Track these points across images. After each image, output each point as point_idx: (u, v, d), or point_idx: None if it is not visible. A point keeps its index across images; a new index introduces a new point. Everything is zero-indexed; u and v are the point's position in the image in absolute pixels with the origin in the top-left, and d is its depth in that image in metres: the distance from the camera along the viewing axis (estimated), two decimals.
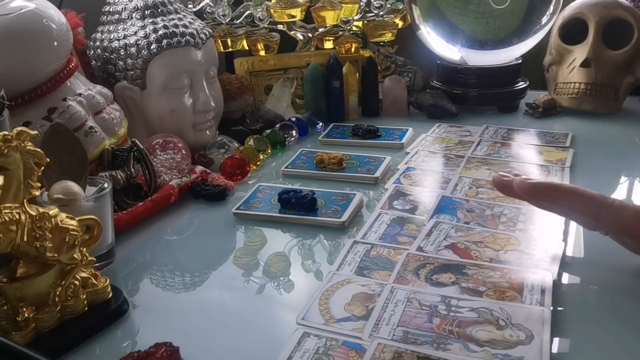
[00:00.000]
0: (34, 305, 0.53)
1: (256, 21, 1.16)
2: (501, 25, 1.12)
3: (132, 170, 0.78)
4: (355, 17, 1.19)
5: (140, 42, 0.88)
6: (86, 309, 0.56)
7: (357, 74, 1.14)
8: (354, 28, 1.23)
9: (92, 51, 0.93)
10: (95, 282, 0.57)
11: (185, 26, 0.92)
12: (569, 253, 0.65)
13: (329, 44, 1.19)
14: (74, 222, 0.54)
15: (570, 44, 1.14)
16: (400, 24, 1.22)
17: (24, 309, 0.52)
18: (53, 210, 0.53)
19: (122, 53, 0.89)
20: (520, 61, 1.17)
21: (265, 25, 1.17)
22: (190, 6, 1.12)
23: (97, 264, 0.60)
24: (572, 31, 1.14)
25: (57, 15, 0.77)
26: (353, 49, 1.18)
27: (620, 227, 0.58)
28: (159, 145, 0.87)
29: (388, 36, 1.21)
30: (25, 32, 0.71)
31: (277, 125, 1.04)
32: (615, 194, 0.82)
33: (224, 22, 1.16)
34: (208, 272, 0.67)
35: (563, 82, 1.13)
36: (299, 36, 1.21)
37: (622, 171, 0.87)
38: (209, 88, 0.95)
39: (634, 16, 1.10)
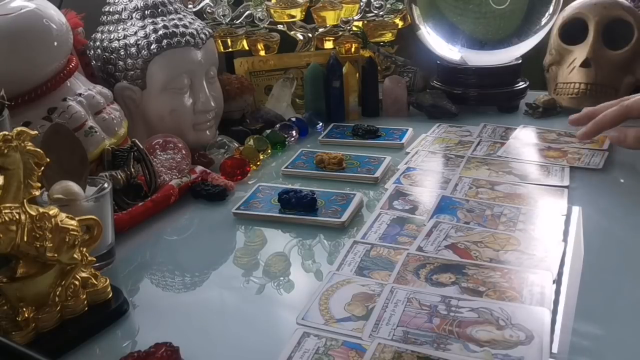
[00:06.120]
0: (34, 305, 0.53)
1: (256, 21, 1.16)
2: (501, 26, 1.12)
3: (132, 170, 0.78)
4: (355, 17, 1.19)
5: (140, 42, 0.88)
6: (86, 309, 0.56)
7: (357, 74, 1.14)
8: (354, 28, 1.22)
9: (92, 51, 0.93)
10: (95, 282, 0.57)
11: (185, 26, 0.92)
12: (569, 253, 0.65)
13: (329, 44, 1.19)
14: (74, 222, 0.54)
15: (570, 44, 1.14)
16: (400, 24, 1.22)
17: (24, 309, 0.52)
18: (53, 210, 0.53)
19: (122, 53, 0.89)
20: (520, 61, 1.17)
21: (265, 25, 1.17)
22: (190, 6, 1.12)
23: (97, 264, 0.60)
24: (572, 31, 1.14)
25: (57, 15, 0.77)
26: (353, 49, 1.18)
27: None
28: (159, 145, 0.87)
29: (388, 36, 1.21)
30: (25, 32, 0.71)
31: (277, 125, 1.04)
32: (615, 194, 0.82)
33: (224, 22, 1.16)
34: (208, 272, 0.67)
35: (563, 82, 1.13)
36: (299, 36, 1.21)
37: (622, 171, 0.87)
38: (209, 88, 0.95)
39: (634, 16, 1.10)
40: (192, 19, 0.96)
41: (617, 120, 0.83)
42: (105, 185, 0.65)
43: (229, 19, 1.16)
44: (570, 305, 0.56)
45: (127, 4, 0.92)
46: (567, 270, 0.62)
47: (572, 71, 1.12)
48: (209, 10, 1.16)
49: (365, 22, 1.21)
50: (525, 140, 0.98)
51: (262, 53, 1.18)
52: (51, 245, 0.52)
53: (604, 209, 0.78)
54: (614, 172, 0.86)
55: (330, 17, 1.14)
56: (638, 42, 1.09)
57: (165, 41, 0.89)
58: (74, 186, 0.62)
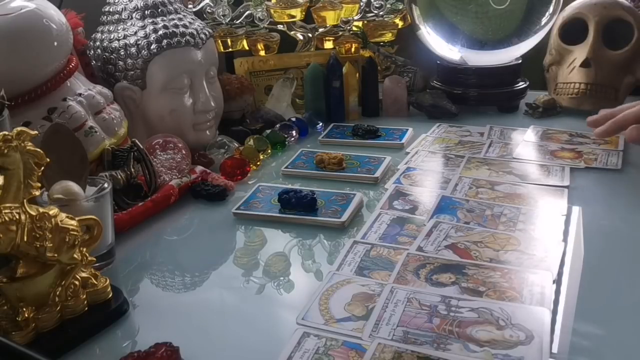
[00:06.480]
0: (34, 305, 0.53)
1: (256, 21, 1.16)
2: (501, 26, 1.12)
3: (132, 170, 0.78)
4: (355, 17, 1.19)
5: (140, 42, 0.88)
6: (86, 309, 0.56)
7: (357, 74, 1.14)
8: (354, 28, 1.23)
9: (92, 51, 0.93)
10: (95, 282, 0.57)
11: (185, 26, 0.92)
12: (569, 253, 0.65)
13: (329, 44, 1.19)
14: (74, 222, 0.54)
15: (570, 44, 1.14)
16: (400, 24, 1.22)
17: (24, 309, 0.52)
18: (53, 210, 0.53)
19: (122, 53, 0.89)
20: (520, 61, 1.17)
21: (265, 25, 1.17)
22: (190, 6, 1.12)
23: (97, 264, 0.60)
24: (572, 31, 1.14)
25: (57, 15, 0.77)
26: (353, 49, 1.18)
27: None
28: (159, 145, 0.87)
29: (388, 36, 1.21)
30: (26, 32, 0.71)
31: (277, 125, 1.04)
32: (615, 194, 0.82)
33: (224, 22, 1.16)
34: (208, 272, 0.67)
35: (563, 82, 1.13)
36: (299, 36, 1.21)
37: (622, 171, 0.86)
38: (209, 88, 0.95)
39: (634, 16, 1.10)
40: (192, 19, 0.96)
41: (638, 121, 0.82)
42: (105, 185, 0.65)
43: (229, 19, 1.16)
44: (570, 305, 0.56)
45: (127, 4, 0.92)
46: (567, 270, 0.62)
47: (572, 71, 1.12)
48: (209, 10, 1.16)
49: (365, 22, 1.21)
50: (538, 142, 0.98)
51: (262, 53, 1.18)
52: (51, 245, 0.52)
53: (604, 209, 0.78)
54: (614, 172, 0.86)
55: (330, 17, 1.14)
56: (638, 42, 1.09)
57: (165, 41, 0.89)
58: (74, 186, 0.62)
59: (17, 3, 0.72)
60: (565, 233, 0.69)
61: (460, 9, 1.11)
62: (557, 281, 0.59)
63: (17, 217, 0.50)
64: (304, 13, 1.15)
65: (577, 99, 1.11)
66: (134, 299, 0.61)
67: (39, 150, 0.52)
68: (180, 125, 0.92)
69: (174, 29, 0.90)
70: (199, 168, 0.88)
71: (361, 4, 1.17)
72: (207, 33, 0.96)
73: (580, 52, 1.11)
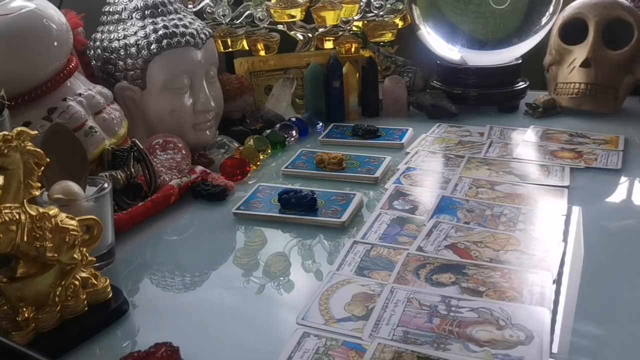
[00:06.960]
0: (34, 305, 0.53)
1: (256, 21, 1.16)
2: (501, 26, 1.12)
3: (132, 170, 0.78)
4: (355, 17, 1.19)
5: (140, 42, 0.88)
6: (86, 309, 0.56)
7: (357, 74, 1.14)
8: (354, 28, 1.23)
9: (92, 51, 0.93)
10: (95, 282, 0.57)
11: (185, 26, 0.92)
12: (569, 253, 0.65)
13: (329, 44, 1.19)
14: (74, 222, 0.54)
15: (570, 44, 1.14)
16: (400, 24, 1.22)
17: (24, 309, 0.52)
18: (53, 210, 0.53)
19: (122, 53, 0.89)
20: (520, 61, 1.17)
21: (265, 25, 1.17)
22: (190, 6, 1.12)
23: (97, 264, 0.60)
24: (572, 31, 1.14)
25: (57, 15, 0.77)
26: (353, 49, 1.18)
27: None
28: (159, 145, 0.87)
29: (388, 36, 1.21)
30: (26, 32, 0.71)
31: (277, 125, 1.04)
32: (615, 194, 0.82)
33: (224, 22, 1.16)
34: (208, 272, 0.67)
35: (563, 82, 1.13)
36: (299, 36, 1.21)
37: (622, 171, 0.87)
38: (209, 88, 0.95)
39: (634, 16, 1.10)
40: (192, 19, 0.96)
41: None
42: (105, 185, 0.65)
43: (229, 19, 1.16)
44: (570, 305, 0.56)
45: (127, 4, 0.92)
46: (567, 270, 0.62)
47: (572, 71, 1.12)
48: (209, 10, 1.16)
49: (365, 22, 1.21)
50: (538, 142, 0.98)
51: (262, 53, 1.18)
52: (51, 245, 0.52)
53: (604, 209, 0.78)
54: (614, 172, 0.86)
55: (330, 17, 1.14)
56: (638, 42, 1.09)
57: (165, 41, 0.89)
58: (74, 186, 0.62)
59: (17, 3, 0.72)
60: (565, 233, 0.69)
61: (461, 9, 1.11)
62: (557, 281, 0.59)
63: (17, 217, 0.50)
64: (304, 13, 1.15)
65: (577, 99, 1.11)
66: (134, 299, 0.61)
67: (39, 150, 0.52)
68: (180, 125, 0.92)
69: (174, 29, 0.90)
70: (199, 168, 0.88)
71: (361, 4, 1.17)
72: (207, 33, 0.96)
73: (580, 52, 1.11)
